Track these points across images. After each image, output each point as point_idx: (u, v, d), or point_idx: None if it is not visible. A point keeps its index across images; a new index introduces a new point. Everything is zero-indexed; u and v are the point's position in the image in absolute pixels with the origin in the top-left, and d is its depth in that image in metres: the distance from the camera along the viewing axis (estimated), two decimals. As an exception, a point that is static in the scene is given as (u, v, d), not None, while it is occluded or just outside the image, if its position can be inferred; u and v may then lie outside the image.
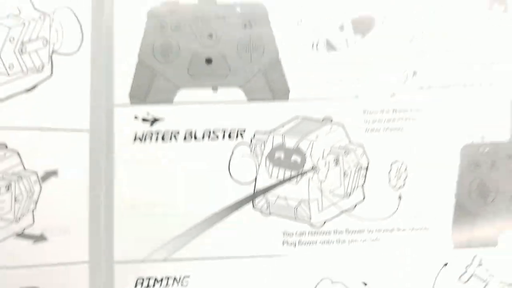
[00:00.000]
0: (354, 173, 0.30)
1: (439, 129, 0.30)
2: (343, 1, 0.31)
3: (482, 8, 0.30)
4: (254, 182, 0.29)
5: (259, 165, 0.29)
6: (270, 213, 0.29)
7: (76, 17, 0.28)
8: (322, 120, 0.30)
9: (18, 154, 0.27)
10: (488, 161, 0.30)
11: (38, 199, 0.27)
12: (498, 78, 0.30)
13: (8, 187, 0.26)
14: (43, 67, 0.28)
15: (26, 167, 0.27)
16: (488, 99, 0.30)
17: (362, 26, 0.31)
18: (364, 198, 0.29)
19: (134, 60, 0.29)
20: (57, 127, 0.28)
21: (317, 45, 0.30)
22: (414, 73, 0.31)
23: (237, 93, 0.30)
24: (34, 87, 0.27)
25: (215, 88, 0.30)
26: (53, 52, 0.28)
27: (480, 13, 0.30)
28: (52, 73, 0.28)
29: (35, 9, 0.28)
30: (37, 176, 0.27)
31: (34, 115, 0.27)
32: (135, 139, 0.29)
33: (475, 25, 0.30)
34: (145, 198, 0.28)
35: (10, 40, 0.27)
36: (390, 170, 0.30)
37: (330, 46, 0.30)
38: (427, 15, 0.31)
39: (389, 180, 0.30)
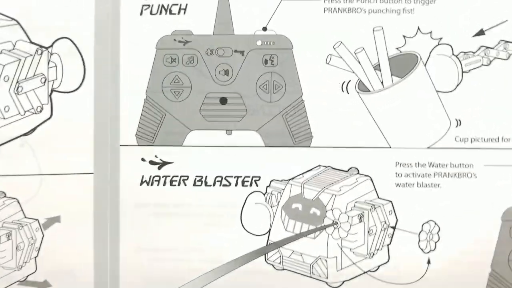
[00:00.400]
0: (380, 232, 0.27)
1: (480, 189, 0.26)
2: (380, 36, 0.26)
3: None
4: (267, 234, 0.27)
5: (273, 216, 0.27)
6: (283, 268, 0.27)
7: (78, 49, 0.26)
8: (348, 171, 0.27)
9: (18, 201, 0.25)
10: (534, 228, 0.26)
11: (40, 246, 0.26)
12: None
13: (8, 236, 0.25)
14: (42, 108, 0.25)
15: (26, 214, 0.26)
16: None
17: (401, 66, 0.26)
18: (389, 259, 0.27)
19: (141, 97, 0.27)
20: (59, 172, 0.26)
21: (347, 86, 0.27)
22: (458, 123, 0.26)
23: (254, 137, 0.27)
24: (33, 130, 0.25)
25: (229, 131, 0.27)
26: (52, 91, 0.26)
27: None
28: (52, 114, 0.26)
29: (32, 42, 0.25)
30: (39, 224, 0.26)
31: (33, 160, 0.25)
32: (141, 182, 0.27)
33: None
34: (151, 243, 0.27)
35: (4, 79, 0.24)
36: (421, 231, 0.27)
37: (362, 88, 0.27)
38: (480, 56, 0.26)
39: (419, 242, 0.27)
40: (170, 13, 0.27)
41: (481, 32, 0.27)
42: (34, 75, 0.25)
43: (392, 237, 0.27)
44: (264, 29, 0.26)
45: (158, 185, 0.27)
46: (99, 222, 0.27)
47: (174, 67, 0.27)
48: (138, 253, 0.27)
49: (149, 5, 0.27)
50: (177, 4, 0.27)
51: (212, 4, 0.26)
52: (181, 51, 0.27)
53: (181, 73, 0.27)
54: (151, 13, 0.27)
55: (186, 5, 0.27)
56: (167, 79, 0.27)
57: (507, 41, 0.27)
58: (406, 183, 0.27)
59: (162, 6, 0.27)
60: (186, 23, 0.27)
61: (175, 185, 0.27)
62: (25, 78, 0.25)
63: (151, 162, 0.27)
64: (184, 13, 0.27)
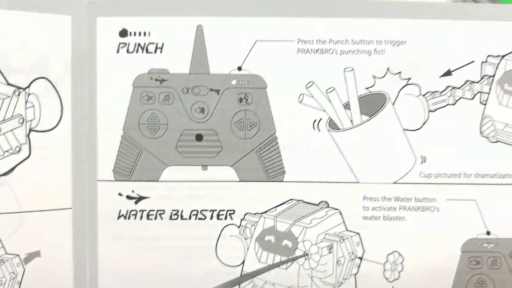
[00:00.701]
0: (348, 262, 0.28)
1: (442, 222, 0.28)
2: (351, 76, 0.27)
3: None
4: (242, 265, 0.28)
5: (247, 248, 0.28)
6: (256, 296, 0.29)
7: (55, 88, 0.26)
8: (318, 204, 0.28)
9: (-2, 238, 0.26)
10: (490, 258, 0.28)
11: (21, 280, 0.27)
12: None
13: (-11, 271, 0.26)
14: (20, 148, 0.26)
15: (8, 250, 0.26)
16: (500, 192, 0.28)
17: (370, 105, 0.28)
18: None
19: (118, 134, 0.27)
20: (38, 209, 0.26)
21: (318, 123, 0.28)
22: (423, 159, 0.28)
23: (229, 172, 0.28)
24: (11, 169, 0.26)
25: (205, 167, 0.28)
26: (30, 130, 0.26)
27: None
28: (30, 153, 0.26)
29: (9, 84, 0.25)
30: (20, 259, 0.27)
31: (13, 199, 0.26)
32: (119, 216, 0.28)
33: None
34: (129, 275, 0.28)
35: (-18, 122, 0.25)
36: (386, 261, 0.28)
37: (333, 126, 0.28)
38: (445, 99, 0.27)
39: (384, 272, 0.28)
40: (147, 51, 0.27)
41: (448, 73, 0.28)
42: (12, 116, 0.25)
43: (359, 267, 0.28)
44: (239, 68, 0.27)
45: (135, 219, 0.28)
46: (78, 255, 0.27)
47: (150, 104, 0.27)
48: (117, 285, 0.28)
49: (125, 43, 0.27)
50: (153, 43, 0.27)
51: (188, 43, 0.27)
52: (158, 89, 0.27)
53: (158, 111, 0.27)
54: (127, 52, 0.27)
55: (163, 44, 0.27)
56: (144, 117, 0.27)
57: (473, 82, 0.28)
58: (373, 216, 0.28)
59: (139, 44, 0.27)
60: (162, 62, 0.27)
61: (151, 219, 0.28)
62: (3, 120, 0.25)
63: (128, 197, 0.28)
64: (161, 52, 0.27)
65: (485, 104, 0.28)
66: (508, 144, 0.28)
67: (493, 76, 0.28)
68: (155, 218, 0.28)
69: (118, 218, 0.28)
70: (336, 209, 0.28)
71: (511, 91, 0.28)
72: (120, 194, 0.28)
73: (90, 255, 0.28)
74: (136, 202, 0.28)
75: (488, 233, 0.28)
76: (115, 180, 0.28)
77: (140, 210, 0.28)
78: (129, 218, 0.28)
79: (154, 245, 0.28)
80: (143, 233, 0.28)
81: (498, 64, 0.28)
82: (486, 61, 0.28)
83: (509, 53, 0.28)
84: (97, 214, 0.28)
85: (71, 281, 0.27)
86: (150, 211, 0.28)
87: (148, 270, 0.28)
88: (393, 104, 0.28)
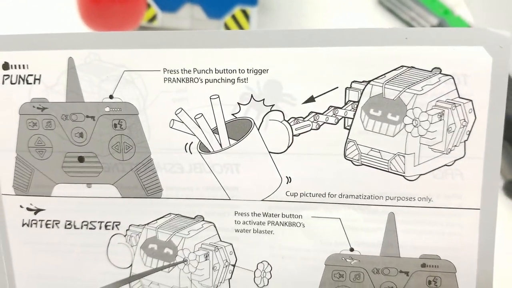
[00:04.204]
0: (223, 268, 0.31)
1: (307, 237, 0.30)
2: (217, 103, 0.29)
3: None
4: (130, 268, 0.32)
5: (134, 254, 0.32)
6: (146, 293, 0.32)
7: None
8: (194, 218, 0.31)
9: None
10: (353, 272, 0.30)
11: None
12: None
13: None
14: None
15: None
16: (364, 212, 0.29)
17: (237, 130, 0.29)
18: (230, 290, 0.32)
19: (13, 155, 0.31)
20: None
21: (189, 146, 0.30)
22: (288, 180, 0.30)
23: (111, 190, 0.31)
24: None
25: (89, 185, 0.31)
26: None
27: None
28: None
29: None
30: None
31: None
32: (23, 224, 0.32)
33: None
34: (38, 274, 0.32)
35: None
36: (256, 269, 0.31)
37: (203, 149, 0.30)
38: (300, 129, 0.28)
39: (254, 278, 0.31)
40: (27, 82, 0.29)
41: (311, 99, 0.28)
42: None
43: (232, 273, 0.31)
44: (111, 97, 0.29)
45: (36, 227, 0.32)
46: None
47: (36, 130, 0.30)
48: (29, 281, 0.32)
49: (8, 75, 0.29)
50: (32, 75, 0.29)
51: (62, 74, 0.29)
52: (40, 116, 0.30)
53: (43, 136, 0.30)
54: (11, 83, 0.30)
55: (40, 75, 0.29)
56: (32, 140, 0.30)
57: (336, 107, 0.28)
58: (244, 229, 0.31)
59: (20, 76, 0.29)
60: (42, 92, 0.30)
61: (50, 227, 0.32)
62: None
63: (28, 209, 0.32)
64: (39, 82, 0.29)
65: (349, 129, 0.29)
66: (373, 167, 0.29)
67: (358, 101, 0.28)
68: (52, 227, 0.32)
69: (23, 226, 0.32)
70: (211, 222, 0.31)
71: (376, 116, 0.28)
72: (21, 206, 0.31)
73: (6, 259, 0.32)
74: (35, 213, 0.32)
75: (351, 249, 0.30)
76: (16, 195, 0.31)
77: (39, 220, 0.32)
78: (31, 226, 0.32)
79: (55, 249, 0.32)
80: (44, 239, 0.32)
81: (363, 89, 0.28)
82: (350, 87, 0.28)
83: (374, 79, 0.28)
84: (6, 223, 0.32)
85: (-11, 277, 0.32)
86: (47, 221, 0.32)
87: (52, 269, 0.32)
88: (258, 129, 0.29)
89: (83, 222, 0.31)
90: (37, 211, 0.31)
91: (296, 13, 0.54)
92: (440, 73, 0.28)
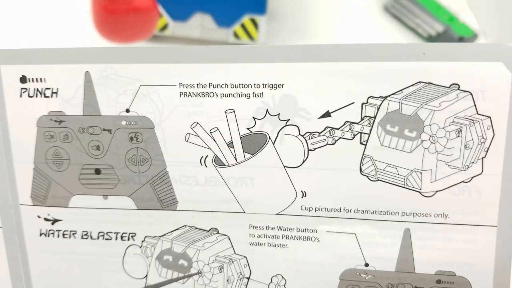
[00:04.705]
0: (237, 281, 0.31)
1: (322, 252, 0.30)
2: (232, 117, 0.29)
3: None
4: (145, 278, 0.32)
5: (149, 265, 0.32)
6: (161, 303, 0.33)
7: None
8: (209, 230, 0.31)
9: None
10: (368, 287, 0.30)
11: (-36, 284, 0.33)
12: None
13: None
14: None
15: None
16: (379, 228, 0.29)
17: (252, 144, 0.29)
18: (245, 302, 0.32)
19: (31, 166, 0.31)
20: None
21: (205, 160, 0.30)
22: (303, 194, 0.30)
23: (127, 202, 0.31)
24: None
25: (105, 196, 0.31)
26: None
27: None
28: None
29: None
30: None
31: None
32: (40, 234, 0.32)
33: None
34: (58, 285, 0.33)
35: None
36: (270, 282, 0.31)
37: (218, 162, 0.30)
38: (316, 145, 0.28)
39: (269, 291, 0.31)
40: (45, 96, 0.30)
41: (327, 114, 0.28)
42: None
43: (246, 286, 0.31)
44: (127, 110, 0.29)
45: (53, 237, 0.32)
46: (13, 268, 0.32)
47: (53, 142, 0.30)
48: (44, 288, 0.33)
49: (26, 89, 0.30)
50: (49, 88, 0.30)
51: (79, 88, 0.29)
52: (58, 129, 0.30)
53: (60, 148, 0.30)
54: (29, 96, 0.30)
55: (57, 89, 0.30)
56: (49, 153, 0.31)
57: (352, 122, 0.28)
58: (258, 243, 0.31)
59: (37, 89, 0.30)
60: (59, 105, 0.30)
61: (67, 237, 0.32)
62: None
63: (45, 219, 0.32)
64: (56, 96, 0.30)
65: (365, 144, 0.29)
66: (389, 182, 0.29)
67: (374, 117, 0.28)
68: (69, 237, 0.32)
69: (40, 236, 0.32)
70: (225, 235, 0.31)
71: (393, 132, 0.28)
72: (39, 217, 0.32)
73: (24, 268, 0.33)
74: (52, 224, 0.32)
75: (366, 264, 0.30)
76: (33, 205, 0.32)
77: (56, 230, 0.32)
78: (48, 236, 0.32)
79: (72, 259, 0.32)
80: (61, 249, 0.32)
81: (380, 105, 0.28)
82: (367, 103, 0.28)
83: (391, 94, 0.28)
84: (24, 232, 0.32)
85: (10, 286, 0.33)
86: (64, 231, 0.32)
87: (69, 278, 0.33)
88: (274, 143, 0.29)
89: (99, 232, 0.32)
90: (55, 221, 0.32)
91: (304, 21, 0.54)
92: (458, 89, 0.27)
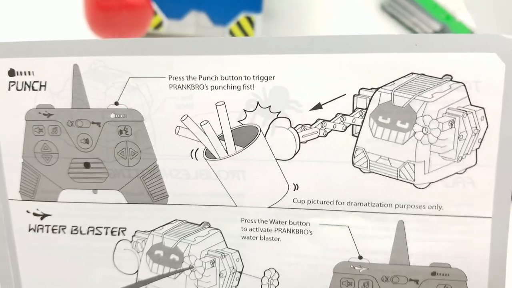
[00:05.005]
0: (229, 275, 0.31)
1: (315, 244, 0.30)
2: (223, 110, 0.28)
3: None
4: (136, 274, 0.32)
5: (140, 260, 0.32)
6: (152, 298, 0.32)
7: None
8: (200, 224, 0.31)
9: None
10: (362, 280, 0.30)
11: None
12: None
13: None
14: None
15: None
16: (373, 220, 0.29)
17: (243, 137, 0.29)
18: (237, 297, 0.31)
19: (19, 160, 0.31)
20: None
21: (195, 153, 0.29)
22: (295, 187, 0.29)
23: (117, 196, 0.31)
24: None
25: (95, 190, 0.31)
26: None
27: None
28: None
29: None
30: None
31: None
32: (29, 229, 0.32)
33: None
34: (44, 278, 0.32)
35: None
36: (263, 276, 0.31)
37: (209, 155, 0.29)
38: (308, 137, 0.28)
39: (261, 285, 0.31)
40: (33, 89, 0.29)
41: (318, 106, 0.28)
42: None
43: (239, 280, 0.31)
44: (116, 103, 0.29)
45: (42, 232, 0.32)
46: (2, 264, 0.32)
47: (41, 136, 0.30)
48: (35, 286, 0.32)
49: (14, 82, 0.29)
50: (38, 81, 0.29)
51: (67, 81, 0.29)
52: (46, 123, 0.30)
53: (49, 142, 0.30)
54: (17, 89, 0.29)
55: (46, 82, 0.29)
56: (38, 146, 0.30)
57: (344, 114, 0.28)
58: (250, 236, 0.30)
59: (25, 83, 0.29)
60: (48, 98, 0.29)
61: (56, 233, 0.32)
62: None
63: (34, 214, 0.32)
64: (45, 89, 0.29)
65: (357, 136, 0.28)
66: (382, 174, 0.29)
67: (366, 109, 0.28)
68: (59, 232, 0.32)
69: (29, 231, 0.32)
70: (217, 229, 0.31)
71: (385, 124, 0.28)
72: (27, 212, 0.31)
73: (13, 263, 0.32)
74: (41, 219, 0.31)
75: (360, 257, 0.29)
76: (22, 200, 0.31)
77: (45, 225, 0.32)
78: (37, 231, 0.32)
79: (61, 254, 0.32)
80: (51, 244, 0.32)
81: (372, 96, 0.28)
82: (358, 94, 0.28)
83: (383, 86, 0.28)
84: (12, 228, 0.32)
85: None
86: (53, 226, 0.31)
87: (58, 273, 0.32)
88: (265, 135, 0.29)
89: (89, 227, 0.31)
90: (44, 216, 0.31)
91: (300, 19, 0.53)
92: (451, 80, 0.27)
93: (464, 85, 0.27)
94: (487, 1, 0.55)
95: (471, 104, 0.27)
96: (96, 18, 0.40)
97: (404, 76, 0.27)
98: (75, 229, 0.31)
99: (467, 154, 0.28)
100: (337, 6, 0.55)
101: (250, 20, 0.49)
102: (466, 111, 0.27)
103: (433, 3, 0.55)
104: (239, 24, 0.49)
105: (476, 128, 0.27)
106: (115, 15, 0.39)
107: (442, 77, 0.27)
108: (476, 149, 0.28)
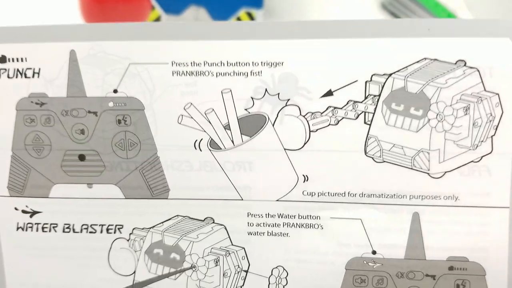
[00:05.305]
0: (234, 274, 0.29)
1: (326, 239, 0.28)
2: (229, 97, 0.27)
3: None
4: (133, 275, 0.30)
5: (138, 260, 0.30)
6: (150, 302, 0.30)
7: None
8: (204, 220, 0.29)
9: None
10: (376, 277, 0.28)
11: None
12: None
13: None
14: None
15: None
16: (387, 212, 0.28)
17: (250, 126, 0.27)
18: (242, 298, 0.30)
19: (8, 153, 0.28)
20: None
21: (199, 143, 0.28)
22: (305, 178, 0.28)
23: (114, 190, 0.29)
24: None
25: (90, 185, 0.29)
26: None
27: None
28: None
29: None
30: None
31: None
32: (17, 228, 0.29)
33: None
34: (32, 282, 0.30)
35: None
36: (271, 275, 0.29)
37: (214, 146, 0.28)
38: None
39: (268, 285, 0.29)
40: (25, 76, 0.27)
41: (329, 93, 0.27)
42: None
43: (245, 280, 0.29)
44: (115, 91, 0.27)
45: (32, 231, 0.29)
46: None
47: (33, 127, 0.28)
48: (21, 288, 0.30)
49: (5, 69, 0.27)
50: (30, 68, 0.27)
51: (63, 68, 0.27)
52: (39, 112, 0.28)
53: (41, 132, 0.28)
54: (8, 77, 0.28)
55: (39, 69, 0.27)
56: (29, 138, 0.28)
57: (356, 101, 0.27)
58: (257, 232, 0.29)
59: (18, 70, 0.27)
60: (41, 86, 0.27)
61: (46, 231, 0.29)
62: None
63: (23, 211, 0.29)
64: (38, 76, 0.27)
65: (369, 124, 0.27)
66: (395, 164, 0.27)
67: (379, 95, 0.27)
68: (50, 231, 0.29)
69: (17, 230, 0.29)
70: (222, 225, 0.29)
71: (398, 111, 0.27)
72: (16, 209, 0.29)
73: (-2, 263, 0.30)
74: (31, 216, 0.29)
75: (374, 252, 0.28)
76: (10, 196, 0.29)
77: (35, 223, 0.29)
78: (26, 230, 0.29)
79: (52, 255, 0.30)
80: (41, 244, 0.30)
81: (384, 83, 0.27)
82: (370, 80, 0.27)
83: (396, 71, 0.26)
84: (-2, 226, 0.29)
85: (-21, 285, 0.30)
86: (44, 224, 0.29)
87: (48, 277, 0.30)
88: (273, 124, 0.27)
89: (82, 225, 0.29)
90: (33, 213, 0.29)
91: (301, 16, 0.53)
92: (464, 65, 0.26)
93: (478, 71, 0.26)
94: (488, 0, 0.55)
95: (485, 90, 0.26)
96: (91, 10, 0.38)
97: (417, 62, 0.26)
98: (67, 227, 0.29)
99: (482, 141, 0.27)
100: (338, 3, 0.54)
101: (250, 16, 0.48)
102: (480, 97, 0.26)
103: (434, 1, 0.55)
104: (239, 20, 0.48)
105: (491, 115, 0.26)
106: (111, 8, 0.38)
107: (456, 63, 0.26)
108: (492, 136, 0.27)
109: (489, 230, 0.27)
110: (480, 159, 0.27)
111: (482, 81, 0.26)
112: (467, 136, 0.27)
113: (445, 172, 0.27)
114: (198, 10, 0.47)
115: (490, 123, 0.27)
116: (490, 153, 0.27)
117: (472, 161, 0.27)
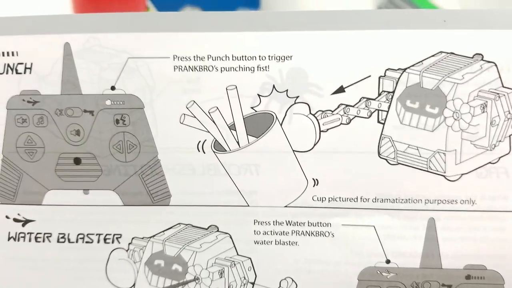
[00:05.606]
0: (240, 287, 0.27)
1: (337, 248, 0.26)
2: (234, 95, 0.25)
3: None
4: None
5: (137, 271, 0.28)
6: (150, 317, 0.28)
7: None
8: (207, 228, 0.27)
9: None
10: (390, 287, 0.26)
11: None
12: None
13: None
14: None
15: None
16: (401, 218, 0.26)
17: (257, 126, 0.26)
18: (248, 311, 0.28)
19: (-2, 157, 0.27)
20: None
21: (203, 145, 0.26)
22: (315, 182, 0.26)
23: (112, 196, 0.27)
24: None
25: (86, 191, 0.27)
26: None
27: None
28: None
29: None
30: None
31: None
32: (9, 238, 0.28)
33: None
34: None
35: None
36: (279, 287, 0.27)
37: (218, 147, 0.26)
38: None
39: (276, 297, 0.27)
40: (16, 72, 0.26)
41: (340, 90, 0.25)
42: None
43: (251, 292, 0.27)
44: (113, 88, 0.26)
45: (24, 241, 0.28)
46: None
47: (25, 127, 0.26)
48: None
49: (-5, 65, 0.26)
50: (22, 63, 0.26)
51: (57, 63, 0.25)
52: (31, 111, 0.26)
53: (33, 134, 0.26)
54: (-2, 73, 0.26)
55: (31, 64, 0.26)
56: (20, 140, 0.26)
57: (369, 99, 0.25)
58: (264, 241, 0.27)
59: (8, 65, 0.26)
60: (33, 83, 0.26)
61: (40, 241, 0.28)
62: None
63: (15, 220, 0.27)
64: (30, 72, 0.26)
65: (383, 123, 0.26)
66: (410, 166, 0.26)
67: (393, 92, 0.25)
68: (43, 241, 0.27)
69: (8, 240, 0.28)
70: (226, 233, 0.27)
71: (413, 108, 0.25)
72: (7, 217, 0.27)
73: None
74: (23, 225, 0.27)
75: (388, 261, 0.26)
76: (1, 203, 0.27)
77: (28, 233, 0.27)
78: (18, 240, 0.28)
79: (46, 267, 0.28)
80: (33, 255, 0.28)
81: (399, 78, 0.25)
82: (384, 76, 0.25)
83: (411, 66, 0.25)
84: (-13, 236, 0.27)
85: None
86: (37, 233, 0.27)
87: (40, 290, 0.28)
88: (281, 124, 0.26)
89: (78, 234, 0.27)
90: (26, 222, 0.27)
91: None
92: (482, 59, 0.25)
93: (496, 65, 0.25)
94: (481, 2, 0.54)
95: (503, 86, 0.25)
96: (85, 10, 0.37)
97: (433, 55, 0.25)
98: (62, 237, 0.27)
99: (500, 141, 0.25)
100: (334, 6, 0.53)
101: (247, 17, 0.47)
102: (498, 93, 0.25)
103: (430, 4, 0.54)
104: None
105: (509, 113, 0.25)
106: (105, 8, 0.37)
107: (473, 56, 0.25)
108: (510, 136, 0.25)
109: (508, 236, 0.25)
110: (498, 160, 0.25)
111: (500, 77, 0.25)
112: (484, 135, 0.25)
113: (462, 174, 0.26)
114: (193, 10, 0.46)
115: (508, 122, 0.25)
116: (508, 153, 0.25)
117: (489, 163, 0.25)
